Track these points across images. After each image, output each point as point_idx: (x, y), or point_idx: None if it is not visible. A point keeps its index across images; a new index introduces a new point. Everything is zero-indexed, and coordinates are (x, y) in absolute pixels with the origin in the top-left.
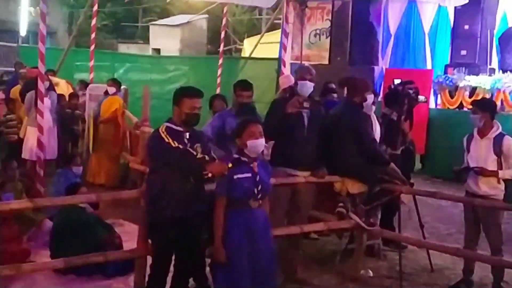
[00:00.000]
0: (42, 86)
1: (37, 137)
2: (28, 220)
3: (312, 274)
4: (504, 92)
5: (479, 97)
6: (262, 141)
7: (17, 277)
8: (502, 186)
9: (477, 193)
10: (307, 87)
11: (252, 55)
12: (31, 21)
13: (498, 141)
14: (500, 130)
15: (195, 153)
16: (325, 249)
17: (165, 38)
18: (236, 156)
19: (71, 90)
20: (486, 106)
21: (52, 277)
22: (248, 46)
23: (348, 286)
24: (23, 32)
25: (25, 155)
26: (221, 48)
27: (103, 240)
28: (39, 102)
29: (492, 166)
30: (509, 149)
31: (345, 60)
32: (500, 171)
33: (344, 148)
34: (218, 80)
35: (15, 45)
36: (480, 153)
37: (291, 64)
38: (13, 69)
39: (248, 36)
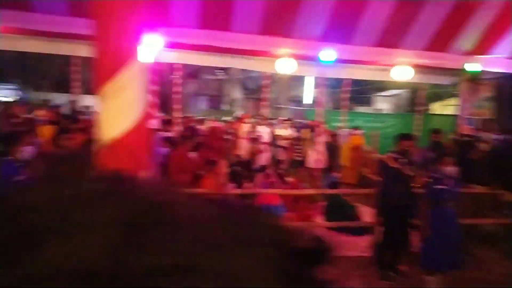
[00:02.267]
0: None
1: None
2: None
3: None
4: None
5: None
6: (452, 169)
7: None
8: None
9: None
10: None
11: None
12: (314, 96)
13: None
14: None
15: (406, 171)
16: None
17: (384, 103)
18: (434, 175)
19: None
20: None
21: None
22: (436, 107)
23: None
24: (306, 101)
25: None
26: (417, 108)
27: None
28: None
29: None
30: None
31: None
32: None
33: None
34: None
35: (302, 108)
36: None
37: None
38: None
39: (435, 101)
